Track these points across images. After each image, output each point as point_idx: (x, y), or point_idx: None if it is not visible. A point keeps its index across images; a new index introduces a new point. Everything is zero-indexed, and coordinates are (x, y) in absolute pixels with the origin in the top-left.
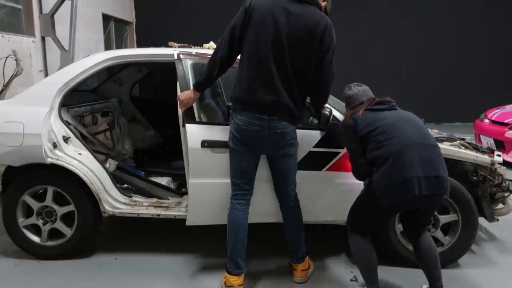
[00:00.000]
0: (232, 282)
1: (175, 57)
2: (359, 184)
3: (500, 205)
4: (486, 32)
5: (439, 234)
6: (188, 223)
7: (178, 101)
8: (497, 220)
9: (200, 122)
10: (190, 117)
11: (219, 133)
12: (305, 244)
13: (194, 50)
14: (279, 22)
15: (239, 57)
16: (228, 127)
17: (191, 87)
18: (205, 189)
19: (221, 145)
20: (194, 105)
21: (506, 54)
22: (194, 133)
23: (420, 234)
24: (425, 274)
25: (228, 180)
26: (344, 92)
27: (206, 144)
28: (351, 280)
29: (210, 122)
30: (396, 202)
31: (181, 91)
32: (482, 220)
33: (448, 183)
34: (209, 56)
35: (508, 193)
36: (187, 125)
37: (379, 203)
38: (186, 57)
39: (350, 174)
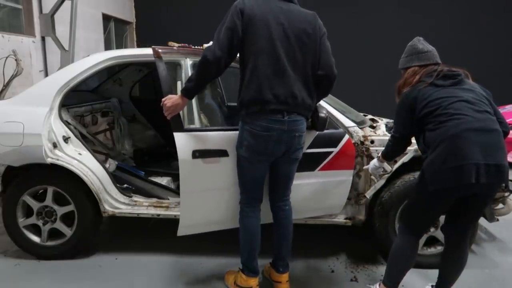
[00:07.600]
0: (250, 283)
1: (154, 54)
2: (349, 181)
3: (500, 205)
4: (486, 32)
5: (439, 234)
6: (179, 233)
7: (163, 107)
8: (497, 220)
9: (189, 130)
10: (177, 125)
11: (212, 140)
12: None
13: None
14: (280, 19)
15: (233, 65)
16: (221, 133)
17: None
18: (196, 200)
19: (214, 154)
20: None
21: (506, 54)
22: (183, 143)
23: (461, 240)
24: (439, 276)
25: (219, 189)
26: (414, 44)
27: (197, 154)
28: (351, 280)
29: (203, 128)
30: (446, 187)
31: (165, 94)
32: (482, 220)
33: (508, 172)
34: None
35: (508, 193)
36: (175, 134)
37: (428, 186)
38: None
39: (342, 171)
